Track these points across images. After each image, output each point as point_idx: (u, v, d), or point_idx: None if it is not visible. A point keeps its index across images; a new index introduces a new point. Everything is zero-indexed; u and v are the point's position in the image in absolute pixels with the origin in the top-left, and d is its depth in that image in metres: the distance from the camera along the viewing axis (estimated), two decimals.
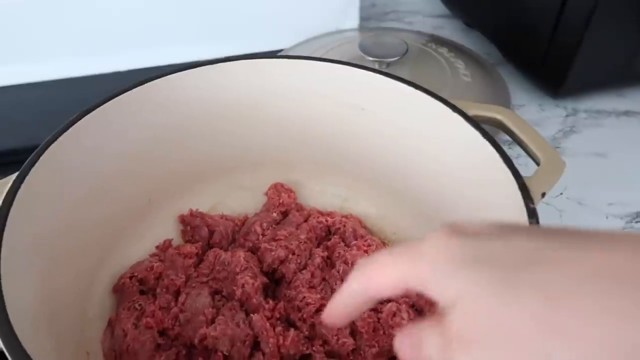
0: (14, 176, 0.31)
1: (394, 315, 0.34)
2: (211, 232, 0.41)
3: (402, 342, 0.20)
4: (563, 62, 0.54)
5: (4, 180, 0.32)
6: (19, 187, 0.30)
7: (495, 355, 0.16)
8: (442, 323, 0.18)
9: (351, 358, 0.33)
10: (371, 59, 0.55)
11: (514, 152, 0.48)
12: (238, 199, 0.45)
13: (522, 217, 0.29)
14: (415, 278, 0.19)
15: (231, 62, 0.40)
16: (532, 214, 0.28)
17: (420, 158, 0.39)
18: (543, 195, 0.30)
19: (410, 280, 0.19)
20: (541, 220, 0.29)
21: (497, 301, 0.17)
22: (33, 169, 0.31)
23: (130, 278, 0.37)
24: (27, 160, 0.31)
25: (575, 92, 0.59)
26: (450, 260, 0.18)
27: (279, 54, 0.65)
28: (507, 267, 0.17)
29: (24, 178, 0.31)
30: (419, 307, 0.35)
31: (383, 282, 0.20)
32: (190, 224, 0.42)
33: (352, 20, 0.70)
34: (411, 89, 0.37)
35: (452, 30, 0.72)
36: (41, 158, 0.32)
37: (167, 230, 0.42)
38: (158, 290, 0.37)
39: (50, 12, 0.59)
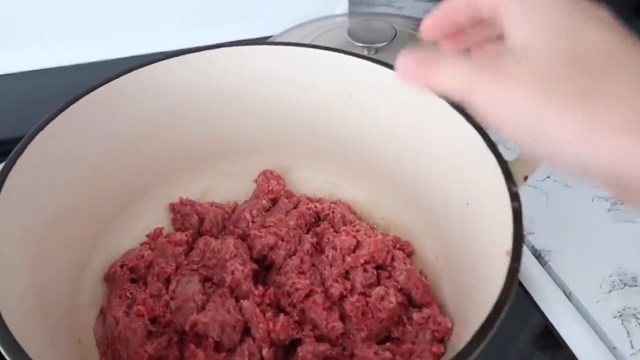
0: (0, 165, 0.31)
1: (382, 299, 0.34)
2: (201, 220, 0.42)
3: (413, 61, 0.23)
4: None
5: None
6: (6, 176, 0.30)
7: (523, 94, 0.20)
8: (492, 57, 0.21)
9: (340, 342, 0.34)
10: (360, 44, 0.55)
11: (501, 136, 0.49)
12: (228, 185, 0.45)
13: (505, 198, 0.29)
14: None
15: (218, 50, 0.40)
16: (515, 197, 0.29)
17: (407, 143, 0.39)
18: (525, 178, 0.31)
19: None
20: (527, 204, 0.29)
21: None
22: (21, 158, 0.31)
23: (121, 267, 0.37)
24: (14, 149, 0.31)
25: None
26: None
27: (269, 40, 0.65)
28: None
29: (11, 167, 0.31)
30: (407, 290, 0.36)
31: None
32: (181, 212, 0.42)
33: (341, 5, 0.70)
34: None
35: None
36: (29, 146, 0.32)
37: (157, 218, 0.43)
38: (149, 278, 0.37)
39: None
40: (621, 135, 0.18)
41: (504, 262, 0.27)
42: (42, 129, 0.33)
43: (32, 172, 0.32)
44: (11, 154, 0.31)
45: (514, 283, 0.25)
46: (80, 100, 0.35)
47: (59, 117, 0.33)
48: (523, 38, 0.21)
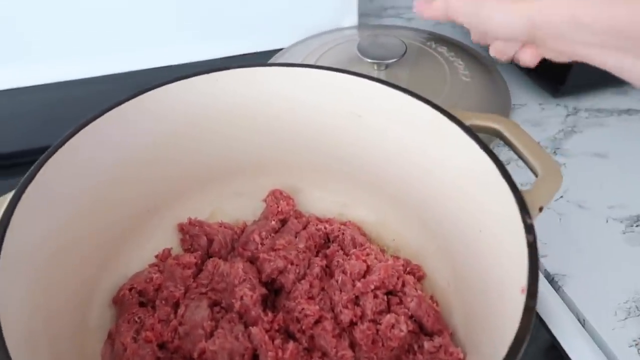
0: (10, 195, 0.31)
1: (393, 327, 0.34)
2: (210, 241, 0.41)
3: None
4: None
5: (1, 198, 0.32)
6: (16, 204, 0.30)
7: None
8: None
9: None
10: (370, 60, 0.55)
11: (514, 155, 0.48)
12: (236, 205, 0.45)
13: (519, 229, 0.29)
14: None
15: (227, 71, 0.39)
16: (530, 230, 0.28)
17: (418, 165, 0.39)
18: (541, 209, 0.30)
19: None
20: (540, 225, 0.29)
21: None
22: (30, 186, 0.31)
23: (130, 290, 0.37)
24: (23, 178, 0.31)
25: (576, 90, 0.59)
26: None
27: (278, 53, 0.65)
28: None
29: (21, 195, 0.31)
30: (418, 318, 0.35)
31: None
32: (189, 232, 0.42)
33: (350, 18, 0.70)
34: (407, 97, 0.37)
35: (451, 26, 0.72)
36: (38, 174, 0.32)
37: (166, 238, 0.42)
38: (157, 302, 0.37)
39: (45, 13, 0.59)
40: None
41: (519, 296, 0.26)
42: (51, 156, 0.32)
43: (42, 198, 0.32)
44: (21, 181, 0.31)
45: (531, 321, 0.24)
46: (88, 126, 0.34)
47: (67, 144, 0.33)
48: None
